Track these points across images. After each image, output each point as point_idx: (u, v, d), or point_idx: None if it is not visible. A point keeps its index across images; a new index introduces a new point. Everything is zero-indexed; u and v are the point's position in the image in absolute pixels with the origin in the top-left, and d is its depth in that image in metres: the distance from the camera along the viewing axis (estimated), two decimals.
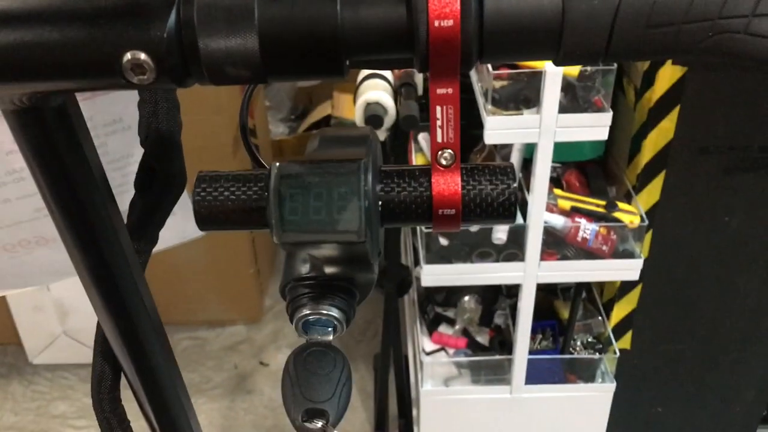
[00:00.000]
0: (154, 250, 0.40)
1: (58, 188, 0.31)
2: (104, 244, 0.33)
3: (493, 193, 0.27)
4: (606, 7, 0.24)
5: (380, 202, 0.28)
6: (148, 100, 0.36)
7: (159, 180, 0.37)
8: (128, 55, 0.25)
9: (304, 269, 0.29)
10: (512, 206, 0.28)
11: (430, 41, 0.25)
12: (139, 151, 0.41)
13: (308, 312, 0.28)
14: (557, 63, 0.25)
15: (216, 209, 0.28)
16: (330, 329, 0.29)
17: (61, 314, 1.88)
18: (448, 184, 0.27)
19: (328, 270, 0.29)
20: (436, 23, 0.24)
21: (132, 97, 0.36)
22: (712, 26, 0.23)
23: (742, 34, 0.23)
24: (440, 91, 0.26)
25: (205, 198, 0.28)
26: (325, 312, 0.28)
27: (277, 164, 0.27)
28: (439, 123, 0.26)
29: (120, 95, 0.42)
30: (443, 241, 1.32)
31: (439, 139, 0.27)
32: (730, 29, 0.23)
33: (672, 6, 0.23)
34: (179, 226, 0.42)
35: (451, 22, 0.24)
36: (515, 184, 0.28)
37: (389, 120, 1.20)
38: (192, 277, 1.94)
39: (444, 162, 0.27)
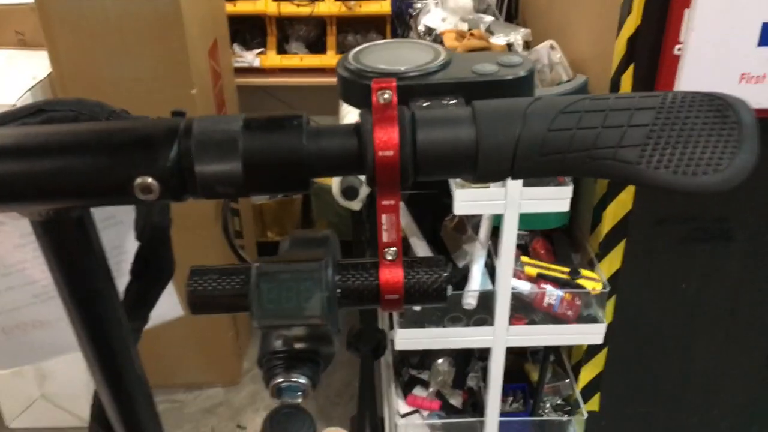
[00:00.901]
0: None
1: (71, 280, 0.37)
2: (106, 325, 0.39)
3: (428, 281, 0.34)
4: (508, 141, 0.31)
5: (338, 290, 0.35)
6: None
7: (151, 268, 0.44)
8: (139, 180, 0.31)
9: (278, 344, 0.35)
10: (443, 291, 0.35)
11: (375, 166, 0.32)
12: (129, 242, 0.47)
13: (281, 380, 0.35)
14: (474, 181, 0.32)
15: (206, 298, 0.35)
16: (299, 393, 0.35)
17: (40, 378, 1.89)
18: (392, 275, 0.34)
19: (297, 345, 0.35)
20: (380, 153, 0.31)
21: None
22: (589, 155, 0.31)
23: (611, 160, 0.31)
24: (385, 202, 0.33)
25: (197, 289, 0.35)
26: (294, 380, 0.35)
27: (256, 264, 0.34)
28: (384, 227, 0.34)
29: None
30: (416, 306, 1.37)
31: (385, 240, 0.34)
32: (602, 157, 0.31)
33: (557, 141, 0.31)
34: (157, 310, 0.48)
35: (391, 153, 0.31)
36: (446, 274, 0.35)
37: (365, 191, 1.27)
38: (170, 340, 1.97)
39: (389, 257, 0.34)
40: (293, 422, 0.34)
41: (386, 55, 0.37)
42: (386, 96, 0.32)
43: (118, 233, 0.47)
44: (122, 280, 0.43)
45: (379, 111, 0.31)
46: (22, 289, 0.47)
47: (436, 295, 0.34)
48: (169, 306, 0.51)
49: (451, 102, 0.34)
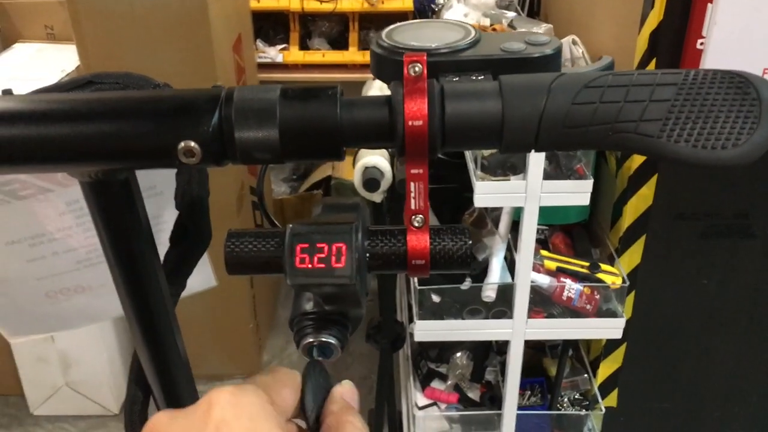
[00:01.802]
0: None
1: (116, 239, 0.39)
2: (148, 287, 0.41)
3: (453, 248, 0.36)
4: (533, 113, 0.32)
5: (367, 254, 0.36)
6: (185, 171, 0.45)
7: (190, 236, 0.46)
8: (182, 144, 0.33)
9: (309, 306, 0.37)
10: (468, 258, 0.36)
11: (405, 136, 0.33)
12: (168, 213, 0.49)
13: (312, 339, 0.37)
14: (501, 152, 0.34)
15: (242, 258, 0.37)
16: (328, 353, 0.37)
17: (65, 366, 1.92)
18: (419, 241, 0.36)
19: (327, 306, 0.37)
20: (410, 123, 0.33)
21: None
22: (612, 128, 0.32)
23: (632, 133, 0.32)
24: (413, 171, 0.35)
25: (234, 250, 0.37)
26: (324, 339, 0.37)
27: (290, 226, 0.36)
28: (412, 195, 0.35)
29: None
30: (435, 298, 1.39)
31: (413, 207, 0.36)
32: (624, 130, 0.32)
33: (581, 113, 0.32)
34: (193, 280, 0.50)
35: (421, 122, 0.33)
36: (470, 242, 0.36)
37: (386, 183, 1.28)
38: (192, 332, 1.99)
39: (416, 224, 0.36)
40: (324, 374, 0.36)
41: (418, 34, 0.39)
42: (417, 69, 0.33)
43: (158, 204, 0.49)
44: (160, 249, 0.45)
45: (410, 83, 0.33)
46: (65, 255, 0.50)
47: (461, 262, 0.36)
48: (203, 277, 0.53)
49: (479, 78, 0.35)
